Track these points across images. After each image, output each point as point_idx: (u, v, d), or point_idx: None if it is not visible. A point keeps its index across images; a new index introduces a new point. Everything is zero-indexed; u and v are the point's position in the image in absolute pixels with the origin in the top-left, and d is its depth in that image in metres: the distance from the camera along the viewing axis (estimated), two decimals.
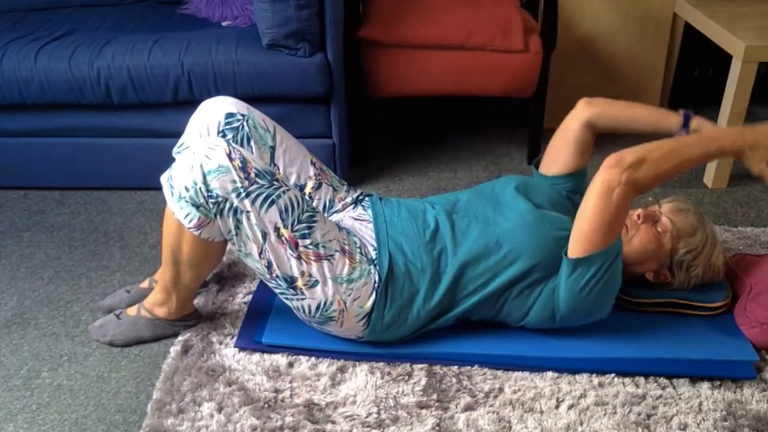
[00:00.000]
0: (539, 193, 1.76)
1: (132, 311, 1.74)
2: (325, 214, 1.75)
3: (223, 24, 2.46)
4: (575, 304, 1.59)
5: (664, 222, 1.71)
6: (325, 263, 1.54)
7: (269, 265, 1.53)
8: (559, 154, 1.81)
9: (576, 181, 1.82)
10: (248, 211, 1.48)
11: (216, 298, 1.86)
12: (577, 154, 1.79)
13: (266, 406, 1.54)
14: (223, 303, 1.85)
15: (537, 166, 1.87)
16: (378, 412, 1.52)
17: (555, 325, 1.65)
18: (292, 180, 1.76)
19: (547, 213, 1.67)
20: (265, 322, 1.74)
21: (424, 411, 1.53)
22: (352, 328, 1.62)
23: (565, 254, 1.57)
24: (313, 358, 1.66)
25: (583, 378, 1.62)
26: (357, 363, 1.65)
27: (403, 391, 1.58)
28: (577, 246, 1.54)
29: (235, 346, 1.69)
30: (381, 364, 1.65)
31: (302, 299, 1.57)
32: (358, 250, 1.61)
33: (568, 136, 1.78)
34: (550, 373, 1.63)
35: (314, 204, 1.75)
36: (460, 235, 1.63)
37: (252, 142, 1.71)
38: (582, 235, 1.54)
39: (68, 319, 1.84)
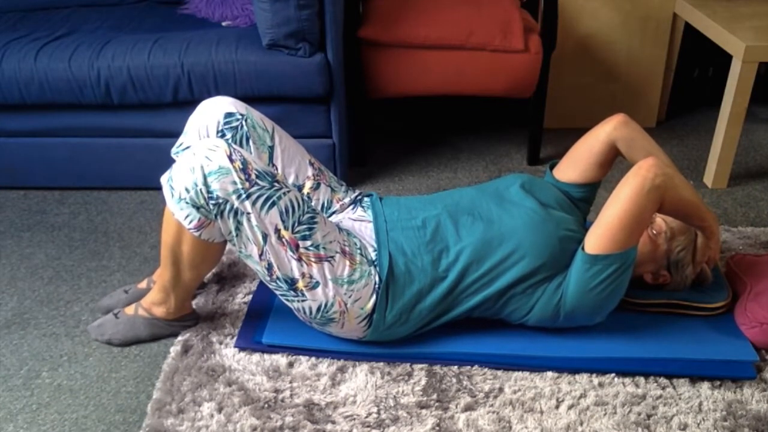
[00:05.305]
0: (545, 191, 1.75)
1: (130, 310, 1.74)
2: (324, 215, 1.75)
3: (223, 24, 2.46)
4: (582, 301, 1.59)
5: (658, 223, 1.71)
6: (326, 264, 1.54)
7: (270, 267, 1.53)
8: (579, 161, 1.79)
9: (589, 192, 1.82)
10: (249, 213, 1.48)
11: (216, 298, 1.86)
12: (597, 166, 1.78)
13: (266, 406, 1.54)
14: (223, 303, 1.85)
15: (551, 168, 1.87)
16: (378, 412, 1.53)
17: (557, 324, 1.65)
18: (291, 180, 1.76)
19: (553, 212, 1.67)
20: (265, 322, 1.74)
21: (424, 411, 1.53)
22: (353, 329, 1.62)
23: (582, 249, 1.57)
24: (313, 358, 1.66)
25: (583, 378, 1.62)
26: (357, 363, 1.65)
27: (403, 391, 1.58)
28: (598, 242, 1.54)
29: (235, 346, 1.69)
30: (381, 364, 1.65)
31: (303, 301, 1.57)
32: (359, 251, 1.61)
33: (593, 145, 1.77)
34: (550, 373, 1.63)
35: (313, 205, 1.75)
36: (463, 234, 1.62)
37: (251, 142, 1.71)
38: (607, 230, 1.53)
39: (68, 319, 1.84)
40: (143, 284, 1.85)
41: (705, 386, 1.60)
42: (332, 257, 1.55)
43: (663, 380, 1.61)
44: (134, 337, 1.73)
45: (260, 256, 1.52)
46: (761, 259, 1.86)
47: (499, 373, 1.63)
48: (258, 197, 1.48)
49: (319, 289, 1.55)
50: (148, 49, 2.19)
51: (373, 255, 1.62)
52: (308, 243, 1.53)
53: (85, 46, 2.22)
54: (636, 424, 1.50)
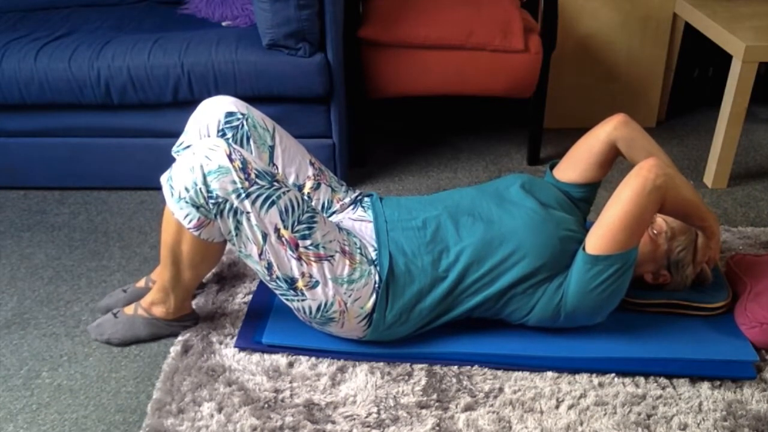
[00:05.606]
0: (545, 191, 1.75)
1: (129, 310, 1.74)
2: (324, 215, 1.75)
3: (223, 24, 2.46)
4: (583, 302, 1.59)
5: (659, 223, 1.71)
6: (326, 264, 1.54)
7: (269, 266, 1.53)
8: (579, 162, 1.79)
9: (589, 192, 1.82)
10: (248, 212, 1.48)
11: (216, 298, 1.86)
12: (597, 166, 1.78)
13: (266, 406, 1.54)
14: (223, 303, 1.85)
15: (551, 168, 1.86)
16: (378, 412, 1.53)
17: (557, 324, 1.65)
18: (291, 180, 1.76)
19: (554, 212, 1.67)
20: (265, 322, 1.74)
21: (424, 411, 1.53)
22: (353, 329, 1.62)
23: (583, 249, 1.57)
24: (313, 358, 1.66)
25: (583, 378, 1.62)
26: (357, 363, 1.65)
27: (403, 391, 1.58)
28: (599, 242, 1.54)
29: (235, 346, 1.69)
30: (381, 364, 1.65)
31: (303, 300, 1.57)
32: (358, 250, 1.61)
33: (593, 145, 1.77)
34: (550, 373, 1.63)
35: (312, 204, 1.75)
36: (464, 234, 1.62)
37: (251, 141, 1.71)
38: (608, 231, 1.53)
39: (68, 319, 1.84)
40: (141, 283, 1.85)
41: (705, 386, 1.60)
42: (332, 256, 1.55)
43: (663, 380, 1.61)
44: (133, 336, 1.73)
45: (260, 255, 1.52)
46: (761, 259, 1.85)
47: (499, 373, 1.63)
48: (257, 196, 1.48)
49: (319, 289, 1.55)
50: (148, 49, 2.19)
51: (373, 254, 1.62)
52: (308, 242, 1.53)
53: (85, 46, 2.22)
54: (636, 424, 1.50)
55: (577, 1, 2.66)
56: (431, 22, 2.37)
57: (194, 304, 1.82)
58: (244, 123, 1.71)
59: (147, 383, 1.64)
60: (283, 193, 1.51)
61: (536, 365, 1.64)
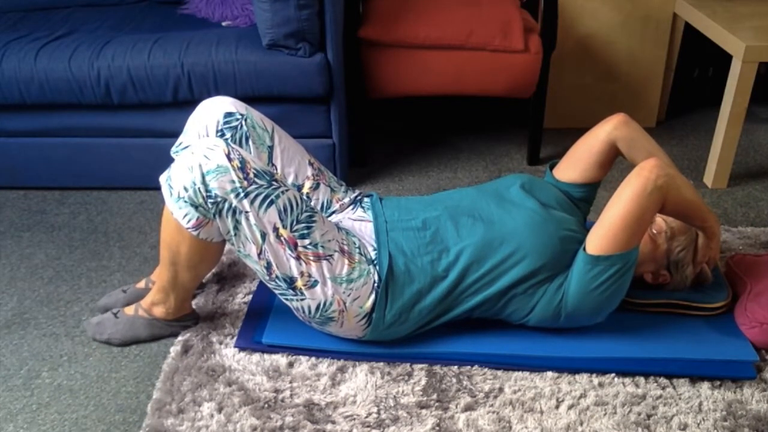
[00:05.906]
0: (545, 191, 1.75)
1: (129, 311, 1.74)
2: (323, 214, 1.75)
3: (223, 24, 2.47)
4: (584, 302, 1.59)
5: (658, 223, 1.71)
6: (325, 263, 1.54)
7: (268, 266, 1.53)
8: (579, 162, 1.79)
9: (589, 192, 1.82)
10: (247, 212, 1.48)
11: (216, 298, 1.86)
12: (597, 166, 1.78)
13: (266, 406, 1.54)
14: (223, 303, 1.85)
15: (551, 168, 1.86)
16: (378, 412, 1.52)
17: (558, 324, 1.65)
18: (290, 180, 1.76)
19: (554, 212, 1.67)
20: (265, 322, 1.74)
21: (424, 411, 1.53)
22: (352, 329, 1.62)
23: (584, 249, 1.57)
24: (313, 358, 1.66)
25: (583, 378, 1.62)
26: (357, 363, 1.65)
27: (403, 391, 1.58)
28: (600, 243, 1.54)
29: (235, 346, 1.69)
30: (381, 364, 1.65)
31: (302, 300, 1.57)
32: (357, 250, 1.61)
33: (593, 145, 1.76)
34: (550, 373, 1.63)
35: (312, 204, 1.75)
36: (464, 234, 1.62)
37: (250, 142, 1.72)
38: (609, 231, 1.53)
39: (68, 319, 1.84)
40: (141, 284, 1.85)
41: (705, 386, 1.59)
42: (331, 256, 1.55)
43: (663, 380, 1.61)
44: (133, 337, 1.73)
45: (259, 255, 1.52)
46: (761, 259, 1.85)
47: (499, 373, 1.63)
48: (256, 196, 1.48)
49: (318, 288, 1.55)
50: (148, 49, 2.19)
51: (372, 254, 1.62)
52: (307, 242, 1.53)
53: (85, 46, 2.23)
54: (636, 424, 1.50)
55: (577, 1, 2.66)
56: (431, 22, 2.37)
57: (194, 304, 1.83)
58: (243, 123, 1.71)
59: (147, 383, 1.64)
60: (282, 192, 1.51)
61: (536, 365, 1.64)
